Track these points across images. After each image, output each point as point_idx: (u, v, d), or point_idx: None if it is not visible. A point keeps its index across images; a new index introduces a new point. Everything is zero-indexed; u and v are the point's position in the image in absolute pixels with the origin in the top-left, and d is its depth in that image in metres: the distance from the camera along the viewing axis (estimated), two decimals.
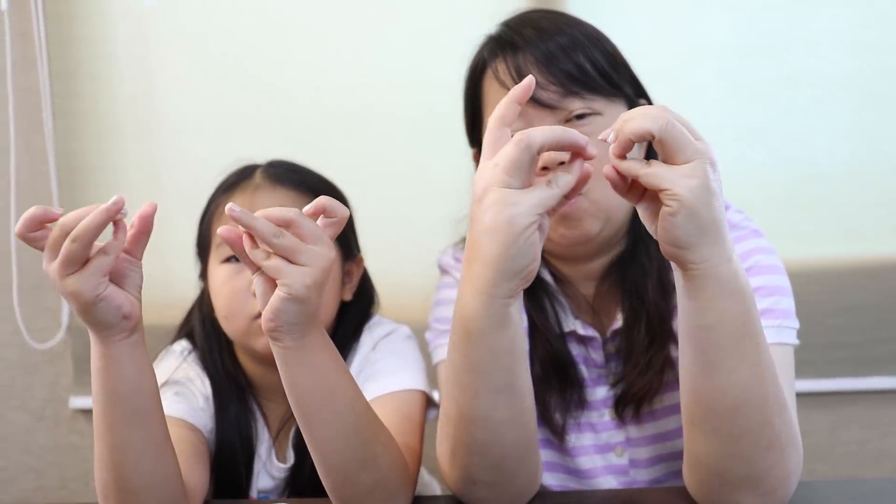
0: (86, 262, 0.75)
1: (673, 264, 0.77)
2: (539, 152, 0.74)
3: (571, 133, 0.75)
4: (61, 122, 1.88)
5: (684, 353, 0.80)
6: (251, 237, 0.75)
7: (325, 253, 0.76)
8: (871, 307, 1.81)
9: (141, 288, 0.81)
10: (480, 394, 0.81)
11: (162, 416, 0.86)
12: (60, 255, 0.73)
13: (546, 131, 0.74)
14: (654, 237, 0.77)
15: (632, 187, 0.77)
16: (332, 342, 0.82)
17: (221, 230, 0.75)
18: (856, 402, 1.85)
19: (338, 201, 0.79)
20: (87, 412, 1.94)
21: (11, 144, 1.88)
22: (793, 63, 1.78)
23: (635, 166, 0.73)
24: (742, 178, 1.74)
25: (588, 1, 1.79)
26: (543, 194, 0.74)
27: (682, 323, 0.79)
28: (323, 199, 0.78)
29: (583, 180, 0.77)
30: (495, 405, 0.81)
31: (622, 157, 0.74)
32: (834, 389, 1.82)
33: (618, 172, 0.76)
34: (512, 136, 1.00)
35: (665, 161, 0.72)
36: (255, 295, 1.02)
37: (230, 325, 1.08)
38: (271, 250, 0.75)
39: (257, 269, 0.77)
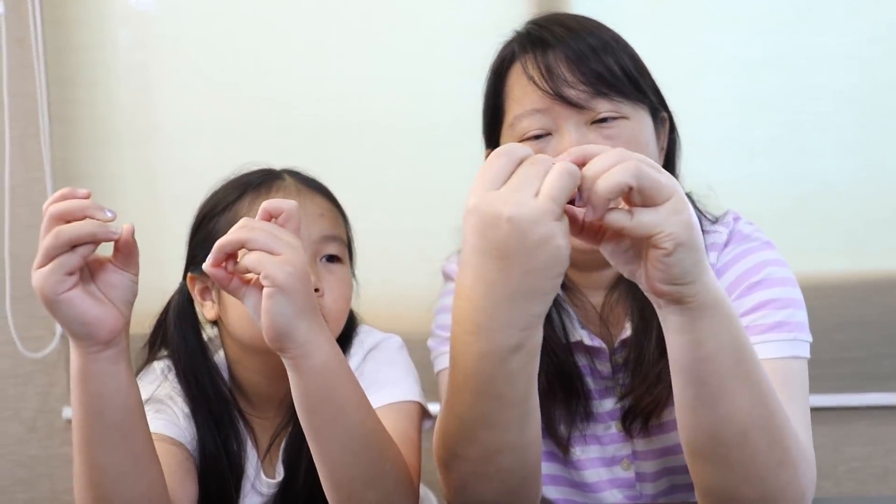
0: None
1: (659, 305, 0.73)
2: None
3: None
4: (58, 129, 1.87)
5: (682, 390, 0.76)
6: (229, 259, 0.76)
7: (295, 242, 0.75)
8: (875, 323, 1.80)
9: (130, 304, 0.79)
10: (512, 425, 0.78)
11: (146, 434, 0.83)
12: (40, 248, 0.74)
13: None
14: (631, 279, 0.74)
15: (585, 229, 0.73)
16: (344, 358, 0.81)
17: (206, 267, 0.75)
18: (860, 419, 1.83)
19: (280, 199, 0.79)
20: None
21: (6, 151, 1.87)
22: (799, 78, 1.78)
23: (621, 218, 0.68)
24: (747, 192, 1.74)
25: (594, 13, 1.78)
26: (564, 218, 0.70)
27: (676, 360, 0.75)
28: (265, 204, 0.79)
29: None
30: (523, 430, 0.79)
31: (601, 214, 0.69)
32: (838, 405, 1.81)
33: (585, 222, 0.72)
34: (533, 134, 0.98)
35: (644, 204, 0.68)
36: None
37: (247, 335, 1.04)
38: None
39: (243, 289, 0.77)
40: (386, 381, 1.06)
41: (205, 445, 1.07)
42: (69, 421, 1.93)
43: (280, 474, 1.09)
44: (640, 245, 0.71)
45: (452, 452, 0.81)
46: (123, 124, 1.88)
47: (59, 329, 1.89)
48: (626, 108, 0.98)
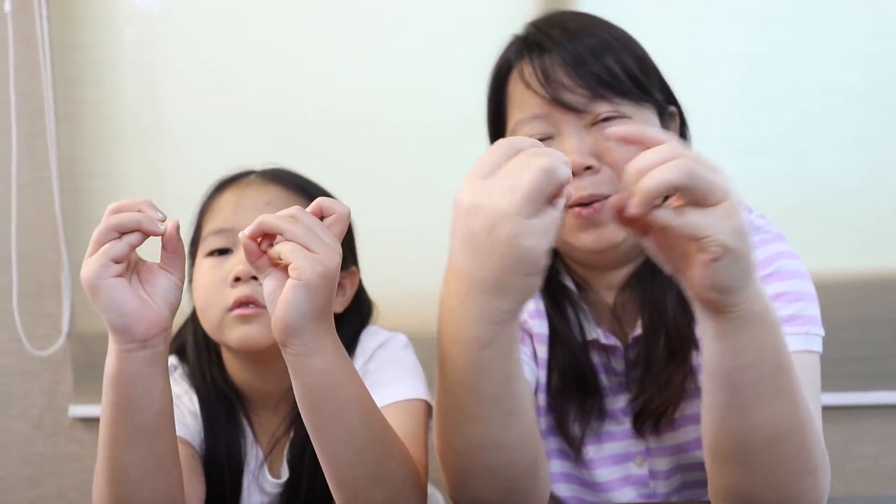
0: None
1: (701, 311, 0.72)
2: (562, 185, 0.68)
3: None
4: (64, 128, 1.87)
5: (713, 394, 0.75)
6: (265, 238, 0.75)
7: (334, 245, 0.75)
8: (884, 321, 1.80)
9: (173, 307, 0.80)
10: (491, 421, 0.77)
11: (171, 439, 0.83)
12: (91, 239, 0.76)
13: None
14: (674, 277, 0.72)
15: (632, 222, 0.70)
16: (347, 354, 0.80)
17: (242, 235, 0.75)
18: (869, 417, 1.83)
19: (336, 200, 0.79)
20: (86, 421, 1.92)
21: (13, 150, 1.87)
22: (804, 74, 1.78)
23: (668, 216, 0.66)
24: (753, 189, 1.71)
25: (599, 10, 1.78)
26: (552, 217, 0.69)
27: (711, 365, 0.73)
28: (321, 200, 0.78)
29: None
30: (506, 429, 0.78)
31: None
32: (847, 404, 1.80)
33: (628, 216, 0.69)
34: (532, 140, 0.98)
35: (694, 204, 0.66)
36: (234, 284, 1.01)
37: (205, 317, 1.06)
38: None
39: (268, 269, 0.76)
40: (391, 380, 1.06)
41: (209, 440, 1.08)
42: (75, 419, 1.93)
43: (285, 474, 1.09)
44: (685, 246, 0.69)
45: (444, 441, 0.81)
46: (130, 122, 1.88)
47: (65, 327, 1.89)
48: (628, 107, 0.97)
